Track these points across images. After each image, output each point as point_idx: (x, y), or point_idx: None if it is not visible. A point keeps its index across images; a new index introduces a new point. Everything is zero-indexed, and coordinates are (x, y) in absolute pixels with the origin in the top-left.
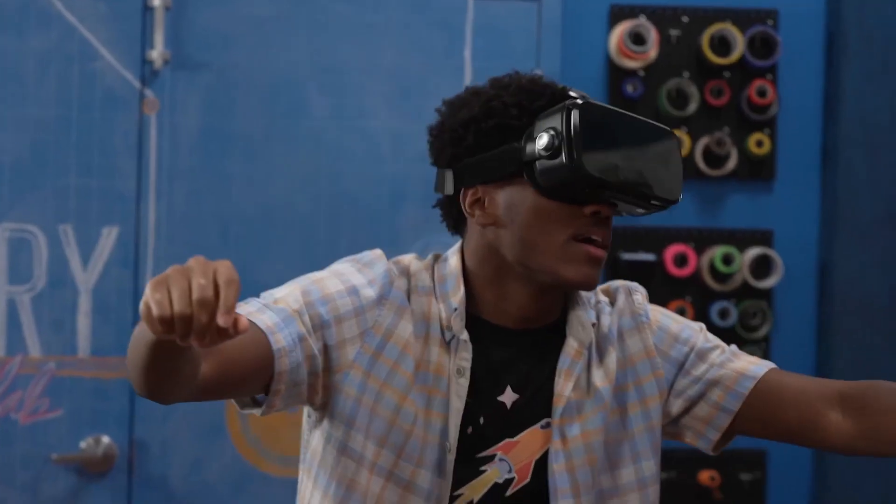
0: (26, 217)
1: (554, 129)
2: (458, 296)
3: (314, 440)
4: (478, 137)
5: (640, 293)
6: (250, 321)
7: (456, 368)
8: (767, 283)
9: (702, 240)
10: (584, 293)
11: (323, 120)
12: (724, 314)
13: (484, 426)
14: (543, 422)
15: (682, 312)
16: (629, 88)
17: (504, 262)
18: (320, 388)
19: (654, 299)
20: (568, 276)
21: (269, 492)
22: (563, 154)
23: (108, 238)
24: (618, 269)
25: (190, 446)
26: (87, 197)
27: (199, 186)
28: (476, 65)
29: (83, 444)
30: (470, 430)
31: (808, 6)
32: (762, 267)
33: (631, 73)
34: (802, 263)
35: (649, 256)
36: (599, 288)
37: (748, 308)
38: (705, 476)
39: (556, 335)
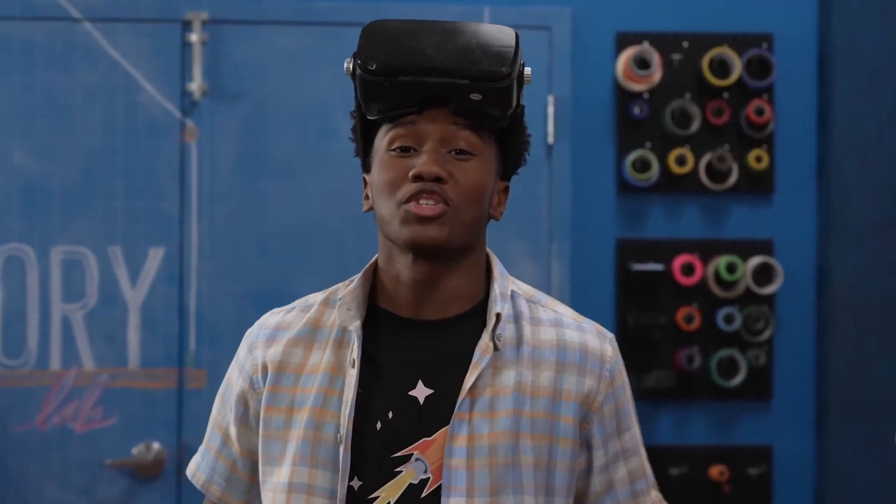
0: (78, 239)
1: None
2: (348, 289)
3: None
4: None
5: (611, 344)
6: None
7: (350, 361)
8: (769, 289)
9: (707, 250)
10: (498, 283)
11: (351, 143)
12: (729, 319)
13: (394, 421)
14: None
15: (690, 319)
16: (636, 110)
17: (387, 242)
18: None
19: (663, 307)
20: (402, 237)
21: None
22: (354, 62)
23: (155, 257)
24: (628, 279)
25: None
26: (134, 220)
27: (237, 207)
28: None
29: (135, 450)
30: (379, 425)
31: (801, 29)
32: (764, 274)
33: (637, 96)
34: (801, 270)
35: (658, 266)
36: (570, 313)
37: (752, 313)
38: (715, 471)
39: (477, 327)
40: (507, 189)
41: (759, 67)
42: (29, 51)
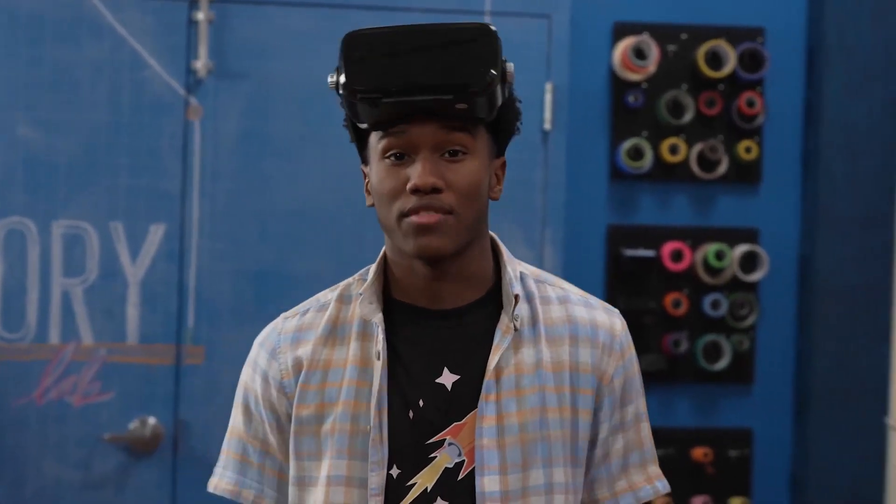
0: (80, 214)
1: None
2: (367, 283)
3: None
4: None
5: (619, 319)
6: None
7: (376, 353)
8: (754, 276)
9: (696, 237)
10: (509, 266)
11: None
12: (715, 305)
13: (425, 409)
14: None
15: (678, 304)
16: (631, 99)
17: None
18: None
19: (653, 293)
20: (408, 249)
21: None
22: (338, 79)
23: (156, 234)
24: (619, 265)
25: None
26: (136, 196)
27: (238, 186)
28: None
29: (132, 425)
30: (412, 414)
31: (793, 24)
32: (750, 262)
33: (633, 86)
34: (786, 259)
35: (649, 252)
36: (576, 290)
37: (737, 300)
38: (699, 452)
39: (493, 311)
40: (503, 164)
41: (751, 61)
42: (36, 24)
